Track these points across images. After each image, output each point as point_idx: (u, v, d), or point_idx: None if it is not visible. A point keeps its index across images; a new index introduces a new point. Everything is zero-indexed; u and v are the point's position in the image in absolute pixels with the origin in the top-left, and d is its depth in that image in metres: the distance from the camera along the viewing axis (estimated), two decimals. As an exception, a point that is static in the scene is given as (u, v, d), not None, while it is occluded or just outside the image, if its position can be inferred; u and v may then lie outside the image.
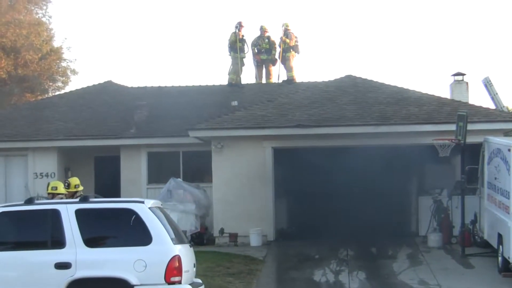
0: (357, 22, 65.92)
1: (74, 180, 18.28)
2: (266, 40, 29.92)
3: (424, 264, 19.71)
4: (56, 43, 41.97)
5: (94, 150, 26.42)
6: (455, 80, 27.28)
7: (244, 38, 29.72)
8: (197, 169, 25.43)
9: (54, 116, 27.38)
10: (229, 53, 29.69)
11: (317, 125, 23.02)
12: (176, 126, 25.67)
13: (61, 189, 17.26)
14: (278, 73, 30.15)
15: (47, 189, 17.47)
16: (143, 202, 12.80)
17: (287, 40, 29.64)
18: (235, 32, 29.59)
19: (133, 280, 12.13)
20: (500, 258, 18.09)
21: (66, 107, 28.23)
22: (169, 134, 25.48)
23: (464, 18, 64.77)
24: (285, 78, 29.87)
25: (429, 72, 63.70)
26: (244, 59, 29.88)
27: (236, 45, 29.44)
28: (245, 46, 29.78)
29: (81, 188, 17.99)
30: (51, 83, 41.69)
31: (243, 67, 29.89)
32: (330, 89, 26.19)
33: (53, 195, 16.82)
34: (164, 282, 12.21)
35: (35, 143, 25.76)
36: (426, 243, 22.14)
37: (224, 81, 29.89)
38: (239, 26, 29.64)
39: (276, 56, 30.00)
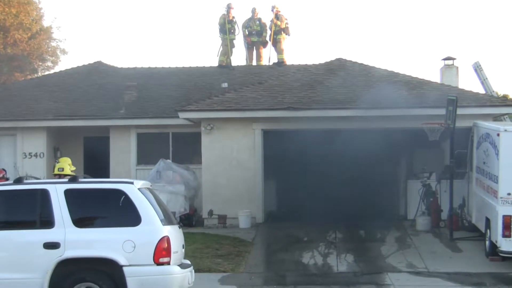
0: (347, 5, 65.85)
1: (64, 160, 18.25)
2: (257, 22, 29.87)
3: (412, 248, 19.78)
4: (45, 23, 41.79)
5: (84, 130, 26.37)
6: (445, 65, 27.31)
7: (234, 19, 29.66)
8: (187, 151, 25.40)
9: (44, 96, 27.28)
10: (219, 35, 29.63)
11: (307, 108, 23.02)
12: (166, 107, 25.66)
13: (68, 170, 17.23)
14: (268, 55, 30.15)
15: (54, 170, 17.46)
16: (132, 183, 12.76)
17: (278, 23, 29.60)
18: (224, 14, 29.53)
19: (121, 260, 12.11)
20: (487, 242, 18.19)
21: (56, 87, 28.13)
22: (158, 115, 25.46)
23: (455, 3, 64.76)
24: (276, 61, 29.84)
25: (419, 56, 63.77)
26: (234, 41, 29.82)
27: (225, 27, 29.38)
28: (236, 28, 29.72)
29: (73, 168, 17.97)
30: (40, 63, 41.52)
31: (233, 49, 29.83)
32: (320, 72, 26.18)
33: (59, 177, 16.77)
34: (153, 262, 12.20)
35: (24, 122, 25.67)
36: (414, 226, 22.22)
37: (215, 63, 29.85)
38: (228, 7, 29.59)
39: (267, 38, 29.95)
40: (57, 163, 18.35)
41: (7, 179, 18.08)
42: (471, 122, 21.05)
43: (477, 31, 64.52)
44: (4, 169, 20.63)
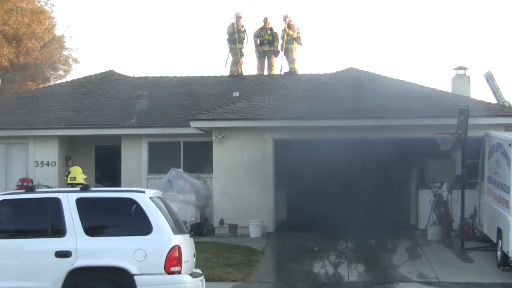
0: (359, 14, 65.89)
1: (75, 169, 18.40)
2: (269, 32, 29.87)
3: (423, 258, 19.74)
4: (58, 32, 42.07)
5: (95, 139, 26.42)
6: (457, 74, 27.26)
7: (243, 28, 29.62)
8: (198, 160, 25.43)
9: (55, 104, 27.39)
10: (227, 44, 29.61)
11: (318, 118, 23.00)
12: (177, 116, 25.71)
13: (80, 179, 17.36)
14: (280, 65, 30.13)
15: (67, 180, 17.59)
16: (143, 192, 12.79)
17: (290, 32, 29.60)
18: (233, 23, 29.52)
19: (133, 269, 12.12)
20: (499, 253, 18.12)
21: (67, 95, 28.22)
22: (170, 124, 25.48)
23: (467, 12, 64.70)
24: (287, 70, 29.84)
25: (431, 66, 63.71)
26: (242, 50, 29.75)
27: (234, 36, 29.38)
28: (245, 36, 29.70)
29: (83, 176, 18.12)
30: (52, 72, 41.76)
31: (242, 58, 29.79)
32: (332, 82, 26.18)
33: (72, 185, 16.89)
34: (164, 272, 12.21)
35: (36, 131, 25.74)
36: (425, 236, 22.16)
37: (226, 72, 29.87)
38: (237, 17, 29.59)
39: (279, 48, 29.95)
40: (69, 172, 18.45)
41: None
42: (483, 132, 21.00)
43: (489, 40, 64.43)
44: (31, 179, 20.70)
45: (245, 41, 29.66)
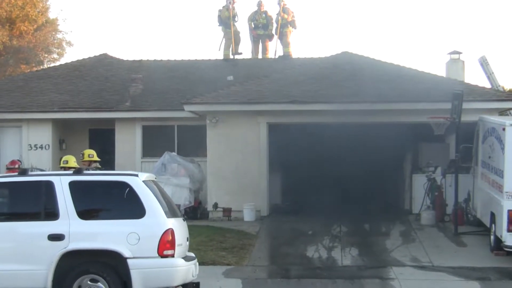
0: (355, -2, 65.70)
1: (88, 151, 18.55)
2: (263, 15, 29.82)
3: (416, 242, 19.76)
4: (51, 15, 41.90)
5: (89, 122, 26.39)
6: (451, 59, 27.26)
7: (234, 10, 29.55)
8: (192, 143, 25.40)
9: (49, 88, 27.34)
10: (219, 25, 29.48)
11: (312, 101, 22.97)
12: (171, 99, 25.67)
13: (72, 162, 17.37)
14: (275, 49, 30.08)
15: (60, 164, 17.60)
16: (137, 175, 12.74)
17: (285, 16, 29.53)
18: (228, 7, 29.35)
19: (126, 252, 12.10)
20: (492, 237, 18.16)
21: (61, 79, 28.17)
22: (164, 107, 25.45)
23: (461, -3, 64.56)
24: (282, 54, 29.78)
25: (425, 50, 63.64)
26: (237, 31, 29.65)
27: (230, 20, 29.26)
28: (236, 18, 29.63)
29: (96, 158, 18.25)
30: (46, 55, 41.62)
31: (236, 42, 29.69)
32: (326, 66, 26.12)
33: (64, 169, 16.89)
34: (157, 255, 12.19)
35: (30, 114, 25.72)
36: (419, 220, 22.19)
37: (220, 56, 29.82)
38: (232, 0, 29.43)
39: (273, 32, 29.89)
40: (66, 161, 18.42)
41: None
42: (477, 116, 21.00)
43: (483, 25, 64.39)
44: (19, 160, 20.75)
45: (236, 20, 29.56)
